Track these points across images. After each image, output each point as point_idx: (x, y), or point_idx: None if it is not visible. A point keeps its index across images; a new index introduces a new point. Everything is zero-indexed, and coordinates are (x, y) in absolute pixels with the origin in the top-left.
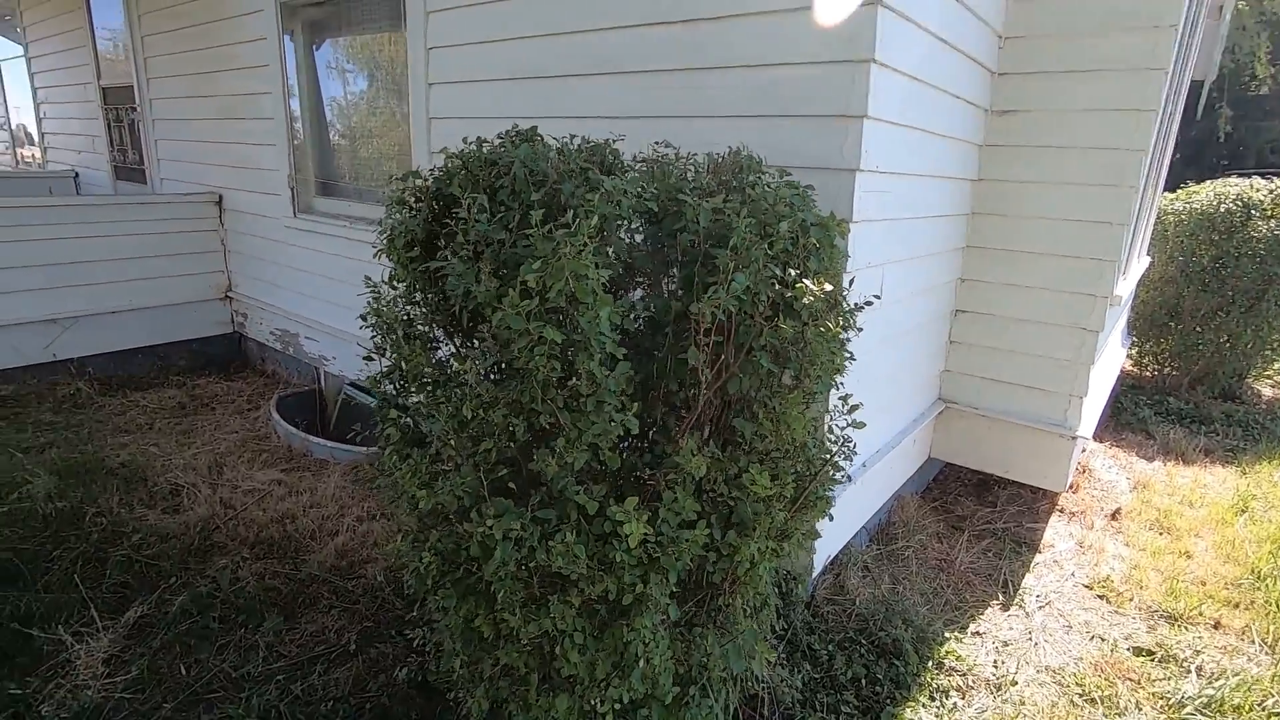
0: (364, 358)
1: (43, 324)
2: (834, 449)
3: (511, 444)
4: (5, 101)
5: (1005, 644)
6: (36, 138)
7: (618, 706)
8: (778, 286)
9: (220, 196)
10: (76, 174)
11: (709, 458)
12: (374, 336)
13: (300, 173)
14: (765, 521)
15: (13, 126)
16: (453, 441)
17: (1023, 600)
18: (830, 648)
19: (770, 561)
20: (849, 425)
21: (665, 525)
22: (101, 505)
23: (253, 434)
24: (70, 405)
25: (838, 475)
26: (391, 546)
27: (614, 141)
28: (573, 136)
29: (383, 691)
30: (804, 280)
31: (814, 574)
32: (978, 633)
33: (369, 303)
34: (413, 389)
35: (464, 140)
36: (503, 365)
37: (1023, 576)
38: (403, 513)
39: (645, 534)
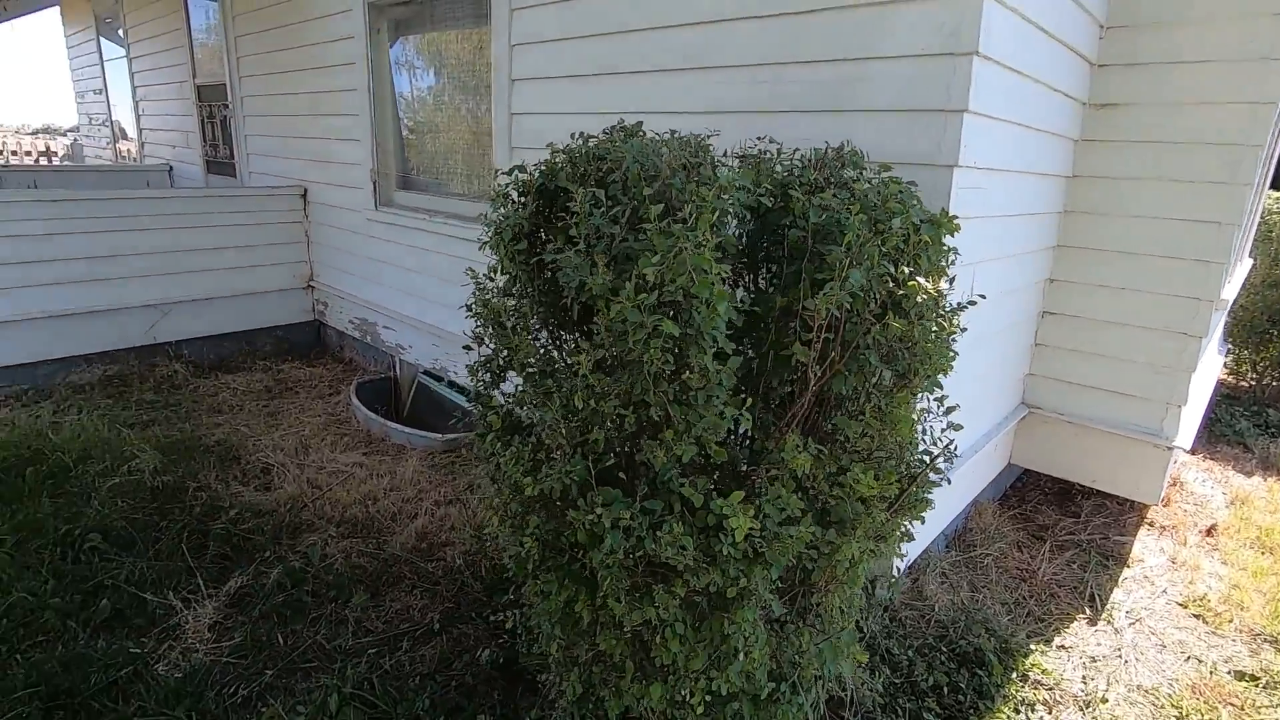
0: (464, 347)
1: (145, 309)
2: (935, 451)
3: (619, 434)
4: (109, 100)
5: (1093, 660)
6: (134, 133)
7: (708, 699)
8: (890, 284)
9: (305, 190)
10: (171, 168)
11: (812, 455)
12: (477, 326)
13: (382, 167)
14: (866, 522)
15: (114, 123)
16: (562, 430)
17: (1111, 616)
18: (910, 653)
19: (869, 563)
20: (948, 427)
21: (769, 520)
22: (201, 481)
23: (334, 418)
24: (168, 385)
25: (936, 478)
26: (487, 530)
27: (708, 137)
28: (673, 133)
29: (467, 671)
30: (918, 278)
31: (893, 577)
32: (1063, 646)
33: (474, 293)
34: (518, 378)
35: (572, 134)
36: (613, 357)
37: (1110, 591)
38: (504, 497)
39: (750, 529)
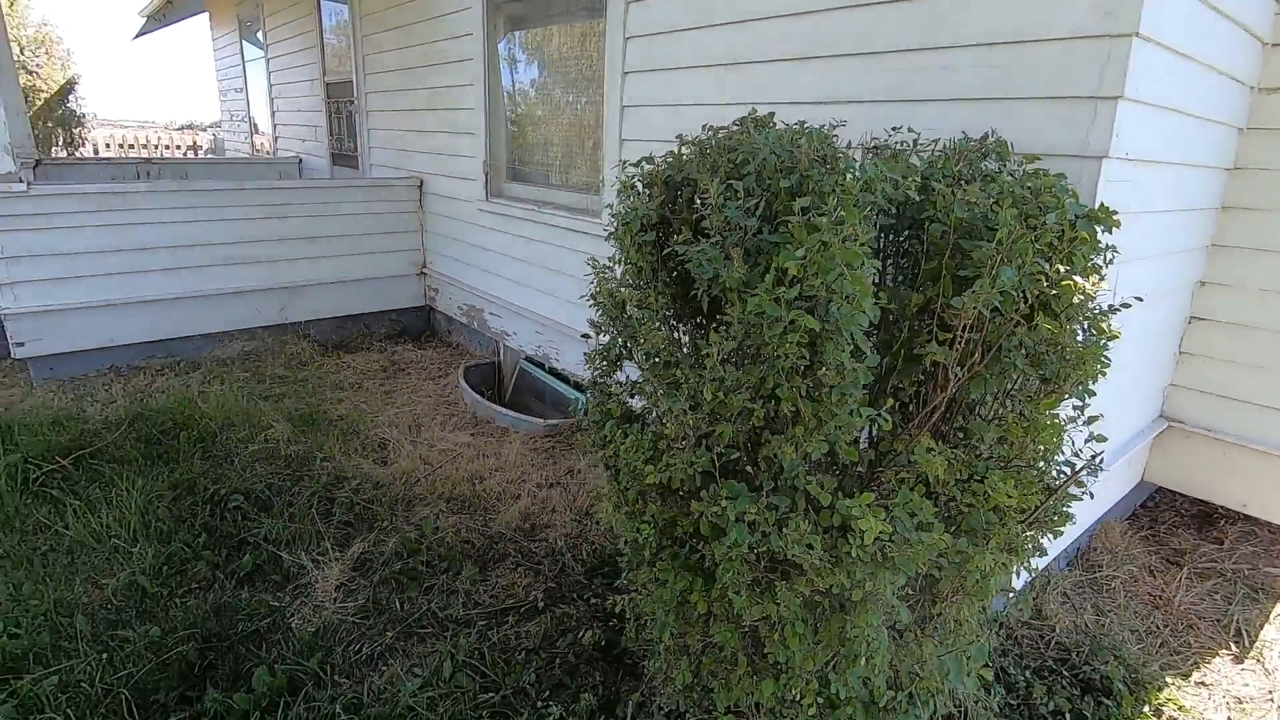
0: (583, 335)
1: (281, 290)
2: (1077, 462)
3: (744, 427)
4: (248, 97)
5: (1239, 701)
6: (269, 128)
7: (820, 700)
8: (1043, 283)
9: (421, 181)
10: (300, 160)
11: (946, 459)
12: (598, 315)
13: (493, 159)
14: (1000, 533)
15: (251, 119)
16: (689, 420)
17: (1261, 654)
18: (1027, 674)
19: (1001, 575)
20: (1090, 438)
21: (899, 525)
22: (326, 452)
23: (443, 399)
24: (297, 362)
25: (1079, 492)
26: (600, 517)
27: (833, 128)
28: (802, 124)
29: (569, 650)
30: (1074, 277)
31: (1010, 594)
32: (1203, 683)
33: (595, 283)
34: (634, 367)
35: (704, 126)
36: (744, 350)
37: (1261, 627)
38: (621, 483)
39: (879, 532)
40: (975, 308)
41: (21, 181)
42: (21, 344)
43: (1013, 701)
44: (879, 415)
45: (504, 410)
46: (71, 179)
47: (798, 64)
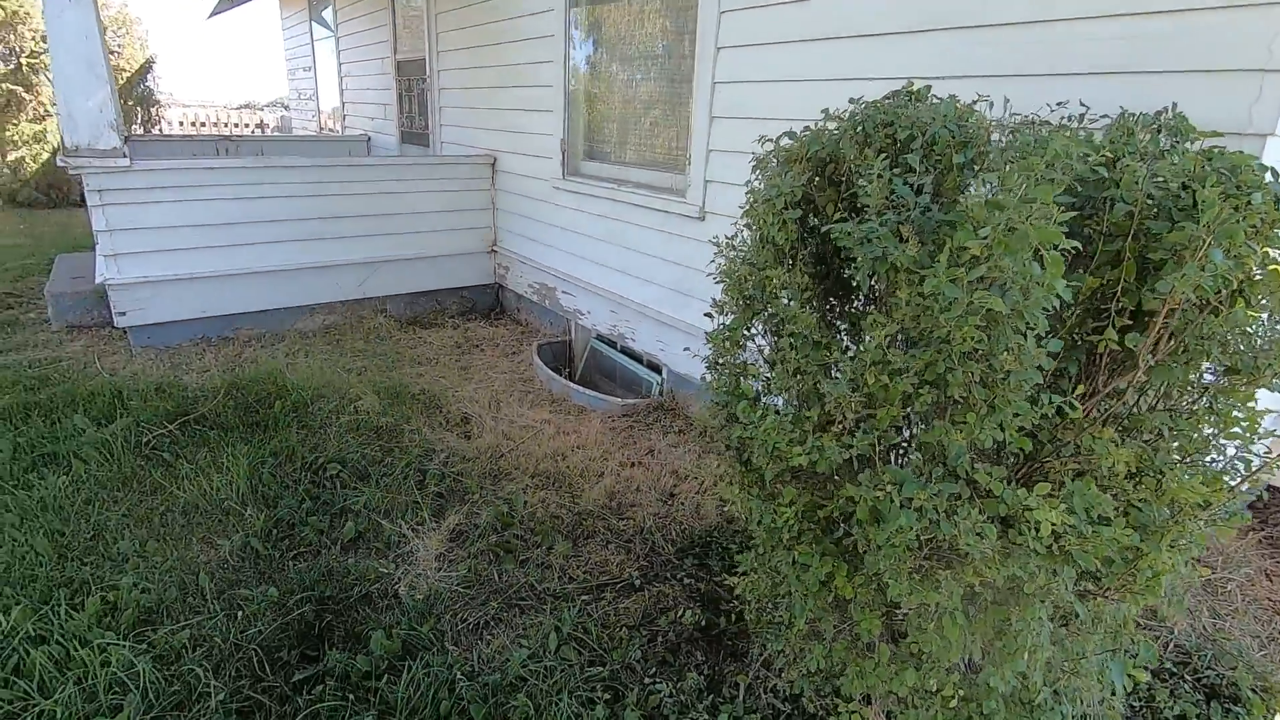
0: (705, 314)
1: (359, 266)
2: (1255, 460)
3: (906, 412)
4: (316, 76)
5: None
6: (337, 106)
7: (961, 692)
8: (1251, 267)
9: (495, 159)
10: (369, 138)
11: (1134, 451)
12: (725, 295)
13: (571, 137)
14: (1173, 530)
15: (319, 99)
16: (851, 404)
17: None
18: (1148, 676)
19: (1171, 574)
20: (1271, 434)
21: (1076, 517)
22: (413, 425)
23: (518, 376)
24: (375, 336)
25: (1254, 490)
26: (728, 503)
27: (973, 104)
28: (952, 97)
29: (670, 628)
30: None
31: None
32: None
33: (724, 260)
34: (792, 348)
35: (851, 99)
36: (907, 331)
37: None
38: (759, 465)
39: (1055, 524)
40: (1183, 293)
41: (125, 157)
42: (124, 313)
43: (1135, 704)
44: (1069, 401)
45: (581, 389)
46: (156, 154)
47: (903, 38)
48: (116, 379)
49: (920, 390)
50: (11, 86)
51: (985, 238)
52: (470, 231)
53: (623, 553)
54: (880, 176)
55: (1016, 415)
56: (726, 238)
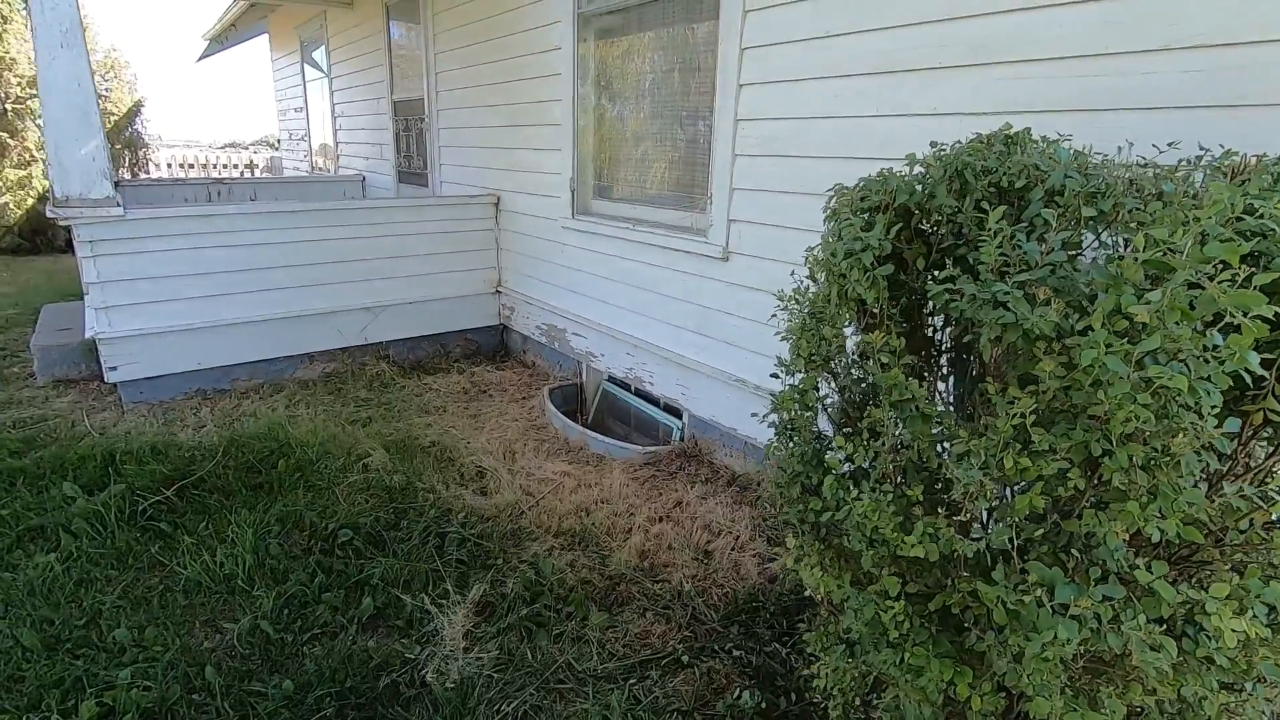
0: (771, 375)
1: (360, 311)
2: None
3: (1049, 499)
4: (308, 118)
5: None
6: (331, 146)
7: None
8: None
9: (498, 199)
10: (364, 178)
11: None
12: (796, 352)
13: (580, 176)
14: None
15: (311, 139)
16: (986, 491)
17: None
18: None
19: None
20: None
21: (1257, 621)
22: (426, 482)
23: (530, 423)
24: (378, 384)
25: None
26: (807, 579)
27: (1060, 142)
28: (1044, 138)
29: (728, 713)
30: None
31: None
32: None
33: (794, 317)
34: (887, 419)
35: (931, 143)
36: (1051, 408)
37: None
38: (856, 546)
39: (1242, 632)
40: None
41: (119, 206)
42: (114, 368)
43: None
44: (1259, 490)
45: (600, 437)
46: (146, 200)
47: (943, 73)
48: (108, 439)
49: (1072, 475)
50: None
51: (1155, 303)
52: (474, 273)
53: (663, 621)
54: (1000, 231)
55: (1191, 504)
56: (795, 291)
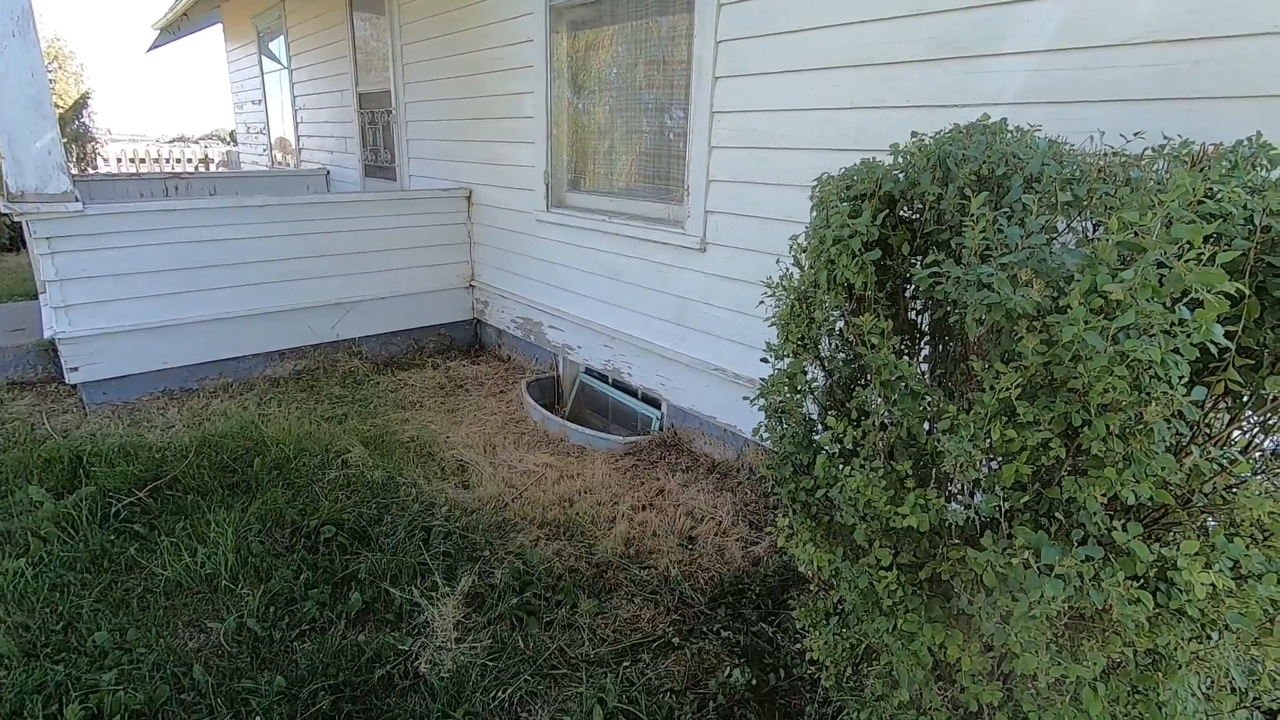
0: (761, 359)
1: (330, 307)
2: None
3: (1033, 468)
4: (267, 111)
5: None
6: (292, 140)
7: None
8: None
9: (470, 192)
10: (328, 172)
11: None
12: (781, 337)
13: (555, 169)
14: None
15: (270, 132)
16: (977, 461)
17: None
18: None
19: None
20: None
21: (1223, 574)
22: (407, 476)
23: (509, 416)
24: (351, 381)
25: None
26: (799, 554)
27: (1032, 132)
28: (1026, 129)
29: (720, 691)
30: None
31: None
32: None
33: (782, 304)
34: (877, 398)
35: (913, 133)
36: (1033, 382)
37: None
38: (849, 520)
39: (1209, 585)
40: None
41: (78, 201)
42: (75, 369)
43: None
44: (1224, 454)
45: (580, 428)
46: (101, 196)
47: (915, 66)
48: (72, 441)
49: (1053, 444)
50: None
51: (1128, 282)
52: (447, 267)
53: (651, 606)
54: (983, 217)
55: (1164, 469)
56: (779, 279)
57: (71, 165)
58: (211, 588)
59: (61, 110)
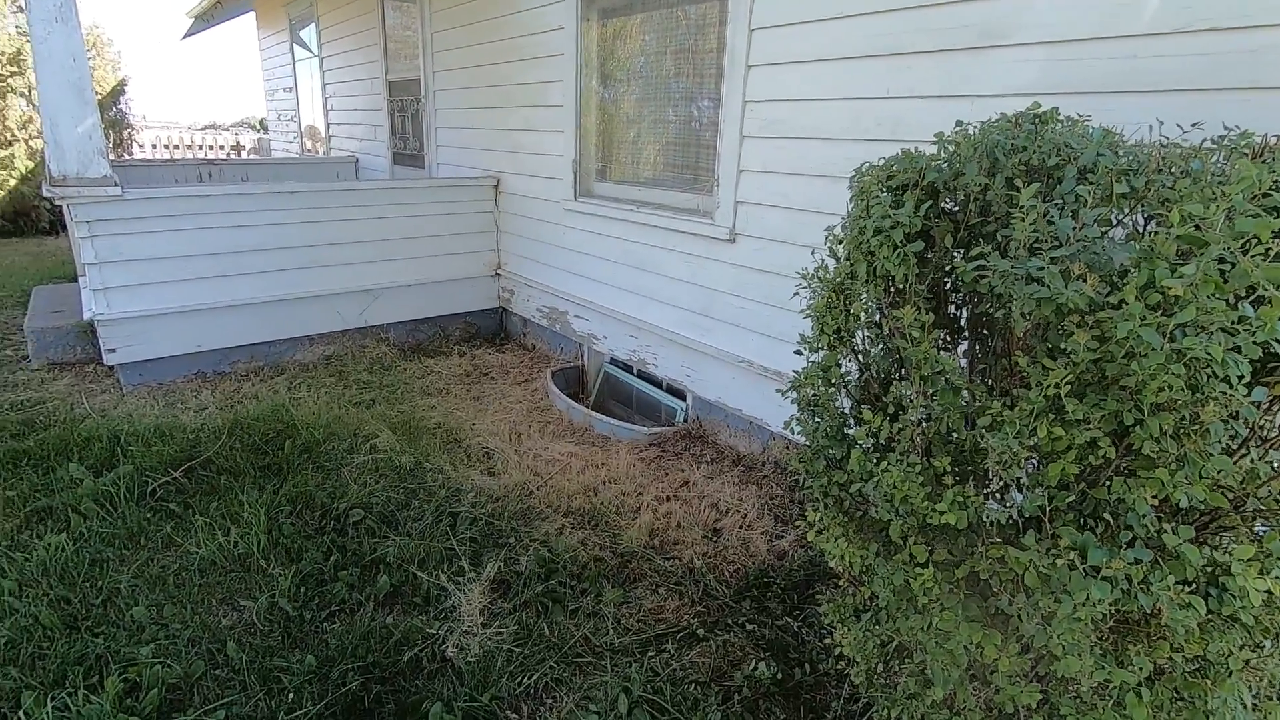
0: (794, 351)
1: (359, 294)
2: None
3: (1080, 467)
4: (298, 98)
5: None
6: (323, 128)
7: None
8: None
9: (498, 180)
10: (357, 160)
11: None
12: (815, 329)
13: (583, 158)
14: None
15: (301, 120)
16: (1021, 459)
17: None
18: None
19: None
20: None
21: (1277, 581)
22: (434, 462)
23: (534, 405)
24: (379, 367)
25: None
26: (830, 549)
27: (1082, 121)
28: (1068, 117)
29: (745, 684)
30: None
31: None
32: None
33: (817, 295)
34: (916, 392)
35: (957, 121)
36: (1082, 379)
37: None
38: (885, 515)
39: (1266, 591)
40: None
41: (117, 185)
42: (113, 350)
43: None
44: None
45: (605, 418)
46: (138, 181)
47: (957, 55)
48: (110, 421)
49: (1102, 443)
50: None
51: (1188, 277)
52: (473, 255)
53: (676, 597)
54: (1034, 208)
55: (1220, 471)
56: (814, 269)
57: (109, 151)
58: (244, 567)
59: (100, 96)
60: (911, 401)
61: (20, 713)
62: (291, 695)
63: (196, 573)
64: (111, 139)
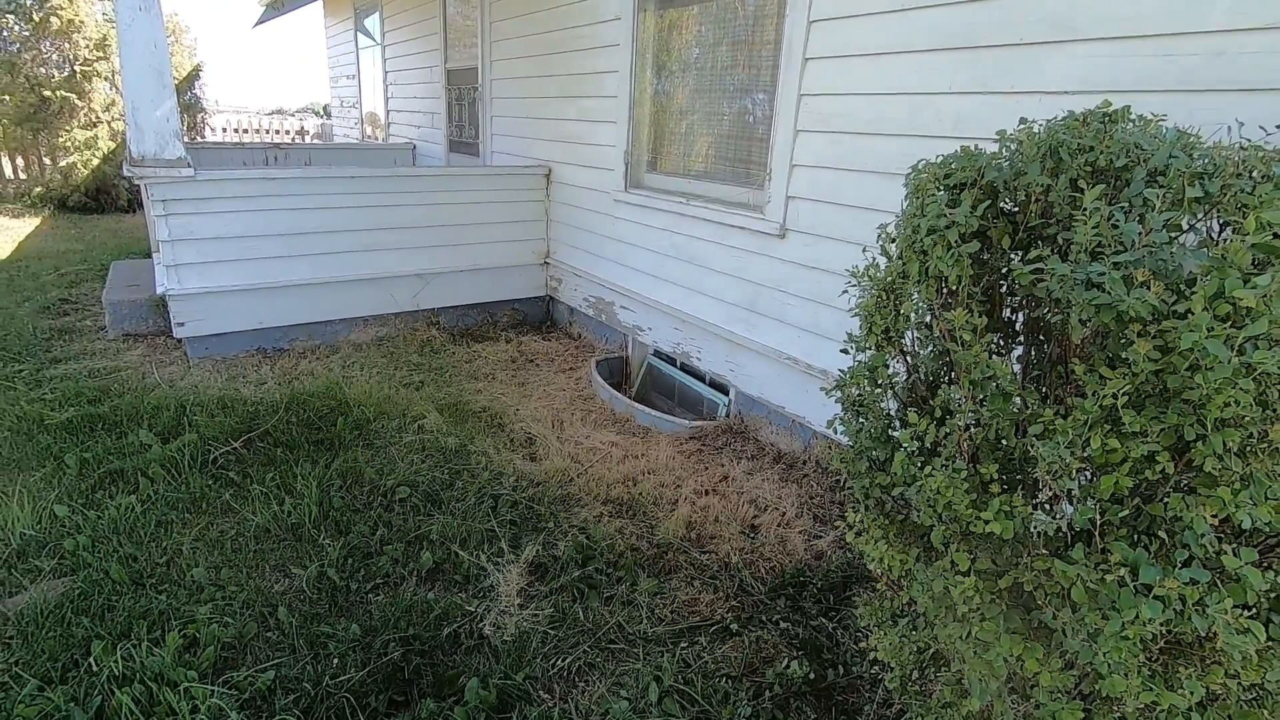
0: (841, 350)
1: (412, 278)
2: None
3: (1134, 480)
4: (360, 86)
5: None
6: (381, 114)
7: None
8: None
9: (549, 170)
10: (415, 147)
11: None
12: (867, 329)
13: (635, 149)
14: None
15: (362, 107)
16: (1073, 470)
17: None
18: None
19: None
20: None
21: None
22: (478, 445)
23: (577, 394)
24: (429, 350)
25: None
26: (870, 553)
27: (1156, 121)
28: (1141, 117)
29: (776, 681)
30: None
31: None
32: None
33: (866, 294)
34: (966, 397)
35: (1021, 119)
36: (1141, 390)
37: None
38: (927, 520)
39: None
40: None
41: (190, 167)
42: (182, 324)
43: None
44: None
45: (647, 410)
46: (209, 163)
47: (1021, 49)
48: (177, 391)
49: (1161, 458)
50: (66, 94)
51: (1262, 288)
52: (523, 243)
53: (710, 591)
54: (1098, 211)
55: None
56: (864, 267)
57: (183, 134)
58: (296, 536)
59: (176, 81)
60: (959, 406)
61: (90, 660)
62: (336, 661)
63: (252, 539)
64: (186, 122)
